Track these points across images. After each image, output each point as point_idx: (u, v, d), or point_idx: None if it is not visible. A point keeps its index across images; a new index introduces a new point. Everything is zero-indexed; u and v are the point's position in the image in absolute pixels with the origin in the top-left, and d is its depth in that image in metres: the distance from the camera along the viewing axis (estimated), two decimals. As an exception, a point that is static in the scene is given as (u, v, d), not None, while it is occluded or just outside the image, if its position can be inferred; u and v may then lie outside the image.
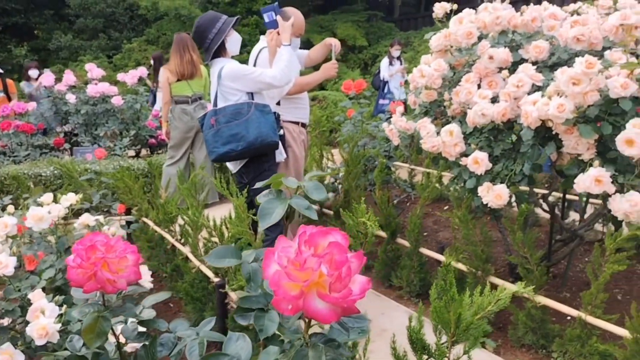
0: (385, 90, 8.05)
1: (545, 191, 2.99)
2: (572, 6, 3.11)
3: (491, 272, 2.52)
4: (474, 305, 1.31)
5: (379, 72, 8.39)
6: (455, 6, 2.81)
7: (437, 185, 3.44)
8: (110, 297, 1.13)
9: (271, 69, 2.70)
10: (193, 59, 4.62)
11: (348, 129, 4.14)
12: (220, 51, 2.74)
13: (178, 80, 4.69)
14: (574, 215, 3.50)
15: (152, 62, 7.50)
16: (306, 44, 13.28)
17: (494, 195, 2.20)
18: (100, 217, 2.18)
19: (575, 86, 1.92)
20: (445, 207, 4.70)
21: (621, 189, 1.98)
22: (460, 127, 2.44)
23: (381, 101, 7.91)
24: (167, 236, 3.08)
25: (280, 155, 2.85)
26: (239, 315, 1.05)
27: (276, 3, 2.99)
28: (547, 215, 3.09)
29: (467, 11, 2.50)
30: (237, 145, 2.55)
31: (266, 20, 2.90)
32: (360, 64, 14.10)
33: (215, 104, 2.70)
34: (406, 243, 2.99)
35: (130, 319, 1.15)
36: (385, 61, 8.26)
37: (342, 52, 13.84)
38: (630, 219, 1.90)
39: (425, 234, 4.21)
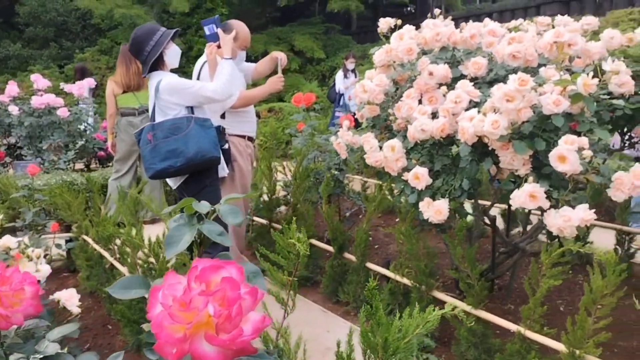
0: (341, 103, 8.08)
1: (489, 203, 3.02)
2: (514, 22, 3.19)
3: (435, 287, 2.52)
4: (402, 329, 1.28)
5: (334, 85, 8.42)
6: (399, 22, 2.83)
7: (389, 197, 3.43)
8: (9, 332, 1.05)
9: (212, 83, 2.64)
10: (140, 70, 4.49)
11: (299, 141, 4.11)
12: (158, 64, 2.66)
13: (124, 91, 4.56)
14: (520, 227, 3.56)
15: (74, 73, 7.37)
16: (264, 56, 13.26)
17: (434, 210, 2.20)
18: (26, 238, 2.06)
19: (509, 103, 1.94)
20: (397, 219, 4.71)
21: (556, 204, 2.01)
22: (402, 142, 2.44)
23: (337, 113, 7.93)
24: (106, 254, 2.96)
25: (222, 170, 2.78)
26: (148, 350, 0.98)
27: (217, 16, 2.95)
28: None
29: (407, 27, 2.51)
30: (175, 161, 2.48)
31: (207, 32, 2.84)
32: (318, 76, 14.16)
33: (152, 119, 2.62)
34: (353, 258, 2.96)
35: (32, 355, 1.07)
36: (340, 74, 8.29)
37: (300, 63, 13.89)
38: (564, 234, 1.92)
39: (376, 246, 4.21)
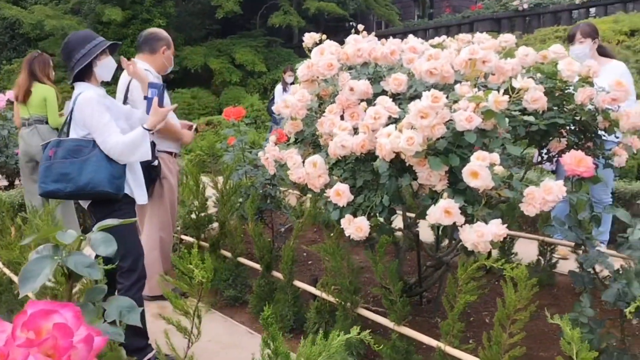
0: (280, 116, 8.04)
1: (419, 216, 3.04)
2: (437, 39, 3.25)
3: (360, 304, 2.49)
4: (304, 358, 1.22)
5: (273, 98, 8.38)
6: (324, 37, 2.81)
7: (324, 211, 3.38)
8: None
9: (115, 138, 2.35)
10: (19, 82, 4.33)
11: (229, 157, 4.02)
12: (86, 75, 2.45)
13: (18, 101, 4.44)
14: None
15: None
16: (204, 69, 13.15)
17: (355, 227, 2.17)
18: None
19: (423, 119, 1.94)
20: (331, 234, 4.68)
21: (471, 219, 2.02)
22: (325, 158, 2.41)
23: (274, 127, 7.88)
24: (16, 279, 2.76)
25: (141, 197, 2.56)
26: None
27: (163, 84, 2.67)
28: (426, 240, 3.15)
29: (328, 42, 2.50)
30: (65, 186, 2.28)
31: (149, 95, 2.57)
32: (260, 89, 14.09)
33: (64, 133, 2.46)
34: (282, 276, 2.90)
35: None
36: (279, 87, 8.26)
37: (240, 77, 13.77)
38: (478, 249, 1.93)
39: (310, 262, 4.16)
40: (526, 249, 3.64)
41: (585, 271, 2.39)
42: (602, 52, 3.69)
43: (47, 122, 4.44)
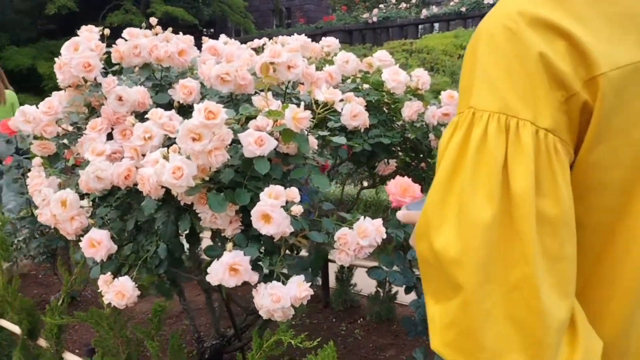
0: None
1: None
2: (257, 42, 2.76)
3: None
4: None
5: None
6: (107, 31, 2.16)
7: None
8: None
9: None
10: None
11: (4, 180, 3.13)
12: None
13: None
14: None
15: None
16: (31, 71, 11.48)
17: (115, 292, 1.56)
18: None
19: (196, 142, 1.40)
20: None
21: (270, 276, 1.52)
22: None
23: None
24: None
25: None
26: None
27: None
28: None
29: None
30: None
31: None
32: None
33: None
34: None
35: None
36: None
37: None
38: (275, 318, 1.43)
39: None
40: (366, 279, 3.28)
41: (419, 319, 2.03)
42: None
43: None
